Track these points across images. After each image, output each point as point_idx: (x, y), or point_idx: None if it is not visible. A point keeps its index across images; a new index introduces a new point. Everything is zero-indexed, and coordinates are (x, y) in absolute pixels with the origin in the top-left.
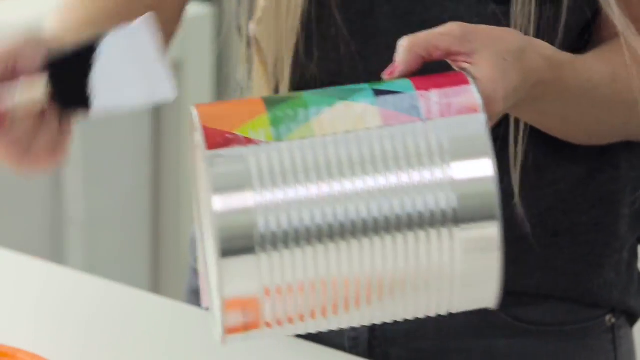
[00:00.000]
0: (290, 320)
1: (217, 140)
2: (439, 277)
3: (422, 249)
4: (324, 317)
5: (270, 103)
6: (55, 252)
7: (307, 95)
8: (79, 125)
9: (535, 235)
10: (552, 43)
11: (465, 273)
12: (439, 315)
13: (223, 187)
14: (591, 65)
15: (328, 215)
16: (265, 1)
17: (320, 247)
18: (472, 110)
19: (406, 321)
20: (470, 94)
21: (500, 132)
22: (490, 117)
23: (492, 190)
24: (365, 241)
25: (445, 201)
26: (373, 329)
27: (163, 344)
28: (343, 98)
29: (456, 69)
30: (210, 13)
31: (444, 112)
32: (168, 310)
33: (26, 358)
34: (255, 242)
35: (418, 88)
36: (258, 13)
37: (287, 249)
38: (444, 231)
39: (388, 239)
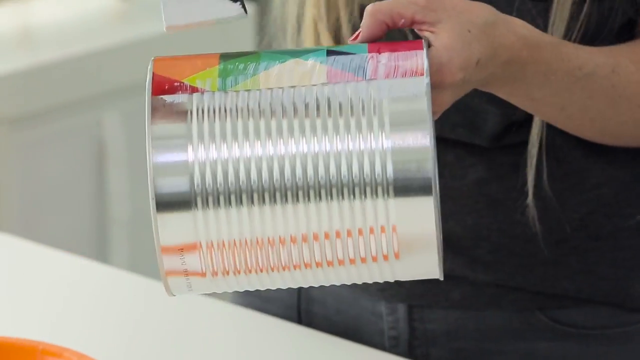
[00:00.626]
0: (226, 273)
1: (163, 87)
2: (374, 241)
3: (357, 214)
4: (262, 274)
5: (225, 57)
6: (100, 251)
7: (264, 52)
8: (123, 125)
9: (576, 239)
10: (591, 43)
11: (402, 242)
12: (479, 317)
13: (161, 138)
14: (585, 53)
15: (263, 174)
16: None
17: (254, 206)
18: (417, 73)
19: (446, 322)
20: (419, 59)
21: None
22: (442, 85)
23: (428, 157)
24: (300, 202)
25: (379, 166)
26: (413, 328)
27: (207, 342)
28: (296, 56)
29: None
30: (252, 11)
31: (389, 74)
32: (211, 308)
33: (72, 357)
34: (190, 197)
35: (371, 50)
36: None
37: (222, 206)
38: (379, 200)
39: (323, 202)
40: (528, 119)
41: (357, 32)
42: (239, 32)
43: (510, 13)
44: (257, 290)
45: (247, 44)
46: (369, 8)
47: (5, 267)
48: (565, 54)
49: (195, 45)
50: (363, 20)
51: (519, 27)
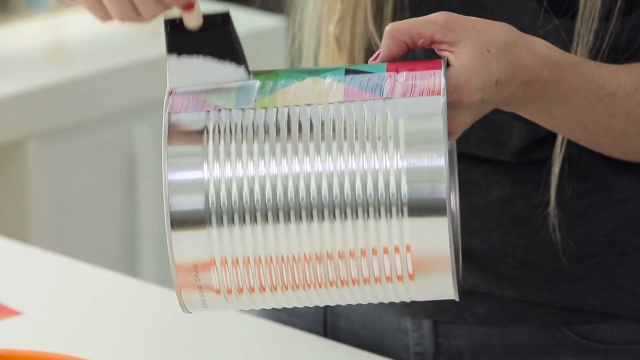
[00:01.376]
0: (241, 291)
1: (180, 104)
2: (389, 262)
3: (371, 234)
4: (277, 293)
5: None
6: (130, 265)
7: (282, 70)
8: (154, 139)
9: (602, 255)
10: (615, 61)
11: (416, 263)
12: (504, 333)
13: (177, 156)
14: (608, 72)
15: (278, 193)
16: (342, 3)
17: (268, 225)
18: (434, 93)
19: (471, 337)
20: (437, 78)
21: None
22: (461, 105)
23: (442, 177)
24: (314, 222)
25: (394, 186)
26: (439, 344)
27: (235, 356)
28: (314, 74)
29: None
30: (284, 25)
31: (406, 93)
32: (241, 323)
33: None
34: (205, 214)
35: (389, 70)
36: (336, 15)
37: (236, 224)
38: (394, 220)
39: (337, 221)
40: (553, 134)
41: (377, 52)
42: (271, 44)
43: (535, 31)
44: None
45: (278, 57)
46: (388, 28)
47: (35, 281)
48: (588, 73)
49: None
50: (383, 40)
51: (540, 46)
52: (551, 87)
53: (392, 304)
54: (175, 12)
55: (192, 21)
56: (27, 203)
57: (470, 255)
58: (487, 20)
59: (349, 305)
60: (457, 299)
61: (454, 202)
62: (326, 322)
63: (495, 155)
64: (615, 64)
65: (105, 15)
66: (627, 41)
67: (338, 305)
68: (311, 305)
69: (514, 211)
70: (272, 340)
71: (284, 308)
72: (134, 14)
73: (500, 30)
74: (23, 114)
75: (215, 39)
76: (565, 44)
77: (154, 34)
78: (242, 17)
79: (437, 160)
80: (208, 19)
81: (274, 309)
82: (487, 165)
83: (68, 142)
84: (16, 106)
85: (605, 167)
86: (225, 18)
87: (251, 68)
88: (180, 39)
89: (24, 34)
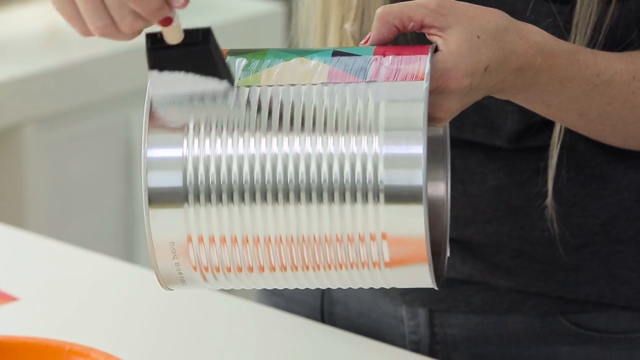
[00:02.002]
0: (217, 270)
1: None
2: (365, 248)
3: (347, 219)
4: (253, 273)
5: (233, 53)
6: (127, 251)
7: (271, 50)
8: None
9: (598, 244)
10: (612, 48)
11: (392, 250)
12: (500, 322)
13: (157, 133)
14: (604, 60)
15: (255, 173)
16: (358, 1)
17: (245, 205)
18: (418, 78)
19: (467, 327)
20: (422, 63)
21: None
22: (447, 90)
23: (420, 165)
24: (291, 204)
25: (371, 172)
26: (434, 333)
27: (233, 341)
28: (302, 55)
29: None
30: (282, 11)
31: (390, 77)
32: (239, 309)
33: (99, 357)
34: (182, 192)
35: (376, 53)
36: (352, 13)
37: (213, 203)
38: (370, 206)
39: (313, 204)
40: (548, 121)
41: (367, 35)
42: (269, 30)
43: (527, 15)
44: (281, 291)
45: (276, 43)
46: (379, 11)
47: (32, 267)
48: (582, 61)
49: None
50: (373, 23)
51: (533, 33)
52: (544, 74)
53: (387, 292)
54: (157, 28)
55: (172, 36)
56: (24, 189)
57: (466, 245)
58: (480, 6)
59: (345, 293)
60: (437, 288)
61: (443, 190)
62: (323, 309)
63: (490, 140)
64: (612, 52)
65: (85, 30)
66: (624, 28)
67: (335, 293)
68: (290, 287)
69: (509, 201)
70: (270, 326)
71: (282, 294)
72: (112, 28)
73: (491, 17)
74: (20, 100)
75: (196, 55)
76: (559, 29)
77: None
78: (240, 2)
79: (415, 147)
80: (189, 34)
81: (271, 296)
82: (483, 152)
83: (65, 127)
84: (13, 92)
85: (602, 156)
86: (206, 33)
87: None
88: (161, 54)
89: (21, 19)
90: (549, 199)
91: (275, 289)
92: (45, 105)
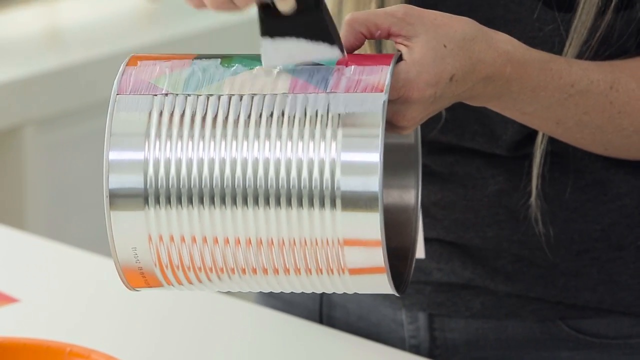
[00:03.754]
0: (177, 268)
1: (130, 85)
2: (323, 253)
3: (304, 224)
4: (213, 274)
5: (199, 58)
6: None
7: (237, 56)
8: None
9: (598, 250)
10: (616, 55)
11: (349, 257)
12: (500, 327)
13: (119, 135)
14: (579, 70)
15: (215, 178)
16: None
17: (204, 208)
18: (378, 89)
19: (467, 331)
20: (383, 74)
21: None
22: (410, 100)
23: (376, 173)
24: (249, 208)
25: (328, 178)
26: (434, 337)
27: (236, 345)
28: None
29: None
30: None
31: (350, 88)
32: (239, 311)
33: (100, 359)
34: (143, 194)
35: (340, 62)
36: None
37: (173, 205)
38: (327, 212)
39: (271, 209)
40: None
41: None
42: None
43: (532, 23)
44: (280, 294)
45: None
46: (347, 17)
47: (32, 268)
48: (556, 70)
49: (227, 44)
50: (341, 30)
51: (503, 42)
52: (515, 83)
53: (387, 295)
54: None
55: (285, 5)
56: (24, 190)
57: (466, 249)
58: (449, 14)
59: (345, 296)
60: (398, 294)
61: (414, 197)
62: (322, 313)
63: (490, 148)
64: (590, 62)
65: (199, 3)
66: (618, 36)
67: (334, 296)
68: (248, 290)
69: (509, 205)
70: (269, 328)
71: (281, 297)
72: (228, 3)
73: (459, 25)
74: (20, 101)
75: (308, 22)
76: (562, 37)
77: (150, 20)
78: None
79: (372, 155)
80: (300, 2)
81: (270, 299)
82: (483, 158)
83: (65, 129)
84: (13, 93)
85: (601, 163)
86: (317, 1)
87: (246, 52)
88: (273, 23)
89: (21, 20)
90: (533, 198)
91: (273, 292)
92: (45, 107)
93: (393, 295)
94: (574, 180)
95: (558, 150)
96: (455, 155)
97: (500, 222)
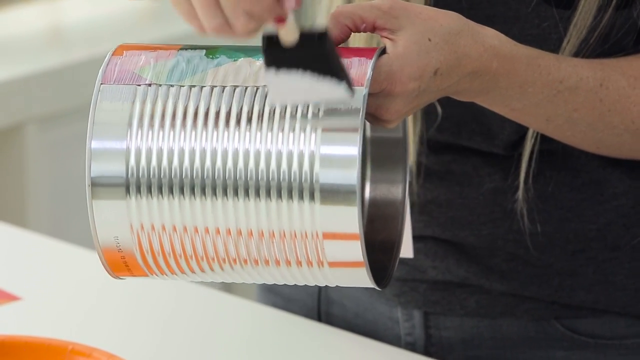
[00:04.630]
0: (158, 255)
1: (114, 75)
2: (302, 246)
3: (283, 216)
4: (192, 264)
5: (185, 49)
6: None
7: (222, 47)
8: None
9: (594, 250)
10: (616, 53)
11: (328, 250)
12: (495, 325)
13: (101, 124)
14: (569, 67)
15: (196, 168)
16: None
17: (185, 198)
18: (359, 83)
19: (462, 329)
20: (365, 67)
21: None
22: (392, 93)
23: (354, 166)
24: (229, 199)
25: (307, 171)
26: (429, 335)
27: (236, 341)
28: (250, 55)
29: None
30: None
31: None
32: (240, 308)
33: (102, 357)
34: (124, 182)
35: None
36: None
37: (154, 194)
38: (305, 204)
39: (251, 200)
40: None
41: None
42: None
43: (531, 19)
44: (279, 291)
45: None
46: (332, 11)
47: (33, 266)
48: (544, 66)
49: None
50: (327, 23)
51: (489, 37)
52: (503, 79)
53: (383, 293)
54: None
55: (288, 36)
56: (25, 188)
57: (460, 247)
58: (435, 8)
59: (342, 293)
60: (378, 288)
61: (401, 192)
62: (320, 309)
63: (487, 147)
64: (580, 59)
65: (201, 28)
66: (616, 34)
67: (332, 293)
68: (227, 281)
69: (504, 204)
70: (269, 324)
71: (280, 294)
72: (227, 27)
73: (445, 20)
74: (22, 99)
75: (311, 58)
76: (560, 35)
77: (152, 18)
78: None
79: (351, 150)
80: (305, 36)
81: (270, 295)
82: (479, 157)
83: (67, 127)
84: (15, 91)
85: (598, 162)
86: (322, 37)
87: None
88: (277, 54)
89: (23, 18)
90: (520, 192)
91: (273, 287)
92: (47, 105)
93: (389, 292)
94: (569, 179)
95: (553, 149)
96: (452, 154)
97: (496, 221)
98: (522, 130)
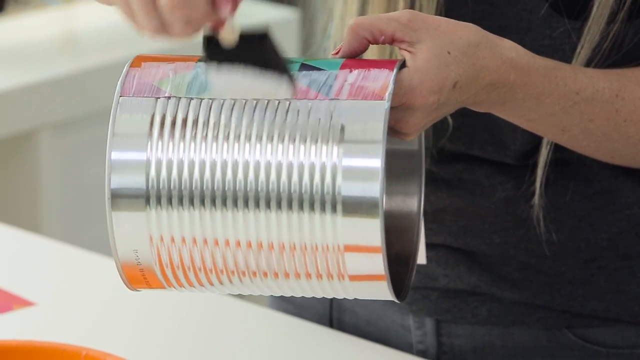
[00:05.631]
0: (177, 268)
1: (133, 87)
2: (323, 259)
3: (305, 229)
4: (212, 277)
5: (202, 60)
6: None
7: None
8: None
9: (605, 259)
10: (627, 63)
11: (349, 262)
12: (506, 334)
13: (121, 136)
14: (585, 77)
15: (217, 180)
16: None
17: (205, 210)
18: (379, 97)
19: (473, 338)
20: (386, 81)
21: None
22: (413, 107)
23: (377, 179)
24: (250, 211)
25: (330, 183)
26: (441, 343)
27: (249, 348)
28: None
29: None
30: (296, 17)
31: (352, 95)
32: (253, 315)
33: None
34: (144, 194)
35: (343, 67)
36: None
37: (174, 206)
38: (327, 216)
39: (272, 212)
40: None
41: (339, 47)
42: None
43: (544, 31)
44: (291, 298)
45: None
46: (351, 22)
47: (47, 272)
48: (561, 77)
49: None
50: (345, 35)
51: (507, 49)
52: (520, 90)
53: (394, 302)
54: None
55: (227, 36)
56: (39, 194)
57: (472, 256)
58: (454, 20)
59: (354, 301)
60: (398, 301)
61: (416, 204)
62: (332, 317)
63: (499, 157)
64: (596, 69)
65: (139, 27)
66: (629, 44)
67: (344, 300)
68: (245, 293)
69: (516, 213)
70: (281, 331)
71: (292, 301)
72: (164, 30)
73: (464, 32)
74: (35, 106)
75: (253, 55)
76: (572, 45)
77: None
78: (253, 9)
79: (373, 162)
80: (245, 38)
81: (282, 302)
82: (491, 166)
83: (80, 133)
84: (28, 97)
85: (609, 171)
86: (261, 40)
87: None
88: (216, 53)
89: (36, 25)
90: (536, 198)
91: (283, 296)
92: (60, 111)
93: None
94: (581, 188)
95: (565, 158)
96: (464, 163)
97: (507, 229)
98: (534, 141)
